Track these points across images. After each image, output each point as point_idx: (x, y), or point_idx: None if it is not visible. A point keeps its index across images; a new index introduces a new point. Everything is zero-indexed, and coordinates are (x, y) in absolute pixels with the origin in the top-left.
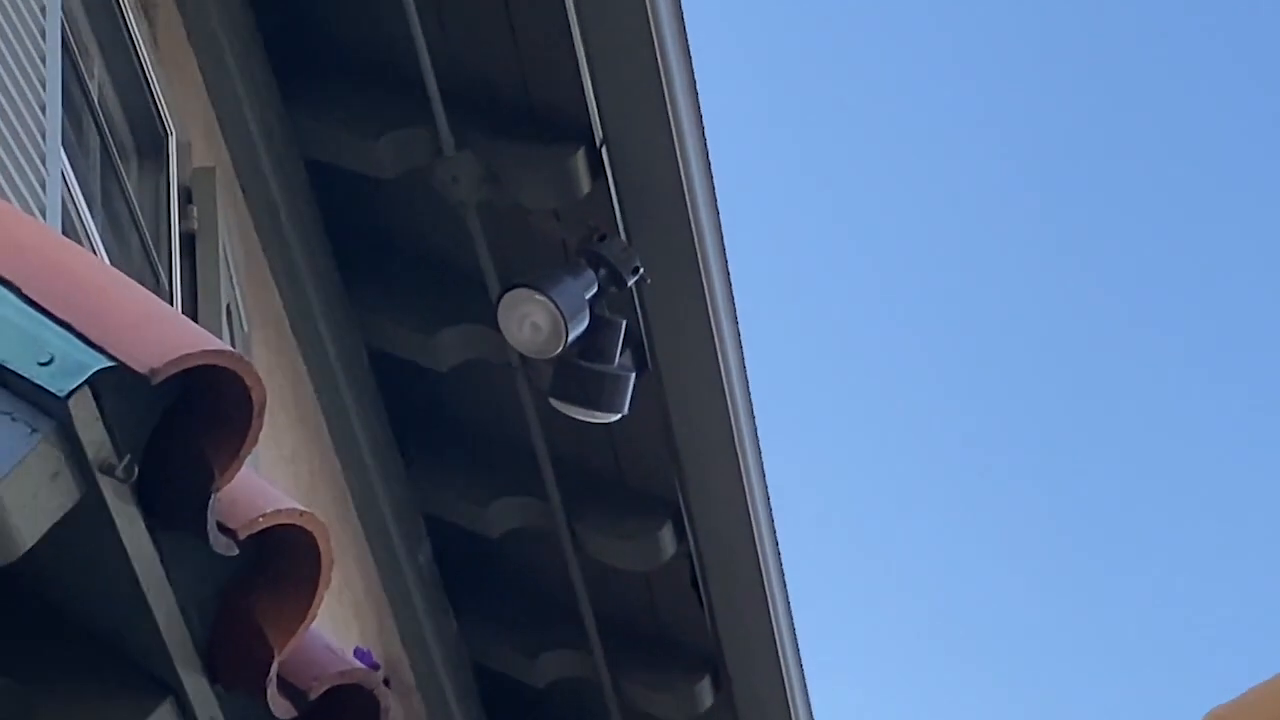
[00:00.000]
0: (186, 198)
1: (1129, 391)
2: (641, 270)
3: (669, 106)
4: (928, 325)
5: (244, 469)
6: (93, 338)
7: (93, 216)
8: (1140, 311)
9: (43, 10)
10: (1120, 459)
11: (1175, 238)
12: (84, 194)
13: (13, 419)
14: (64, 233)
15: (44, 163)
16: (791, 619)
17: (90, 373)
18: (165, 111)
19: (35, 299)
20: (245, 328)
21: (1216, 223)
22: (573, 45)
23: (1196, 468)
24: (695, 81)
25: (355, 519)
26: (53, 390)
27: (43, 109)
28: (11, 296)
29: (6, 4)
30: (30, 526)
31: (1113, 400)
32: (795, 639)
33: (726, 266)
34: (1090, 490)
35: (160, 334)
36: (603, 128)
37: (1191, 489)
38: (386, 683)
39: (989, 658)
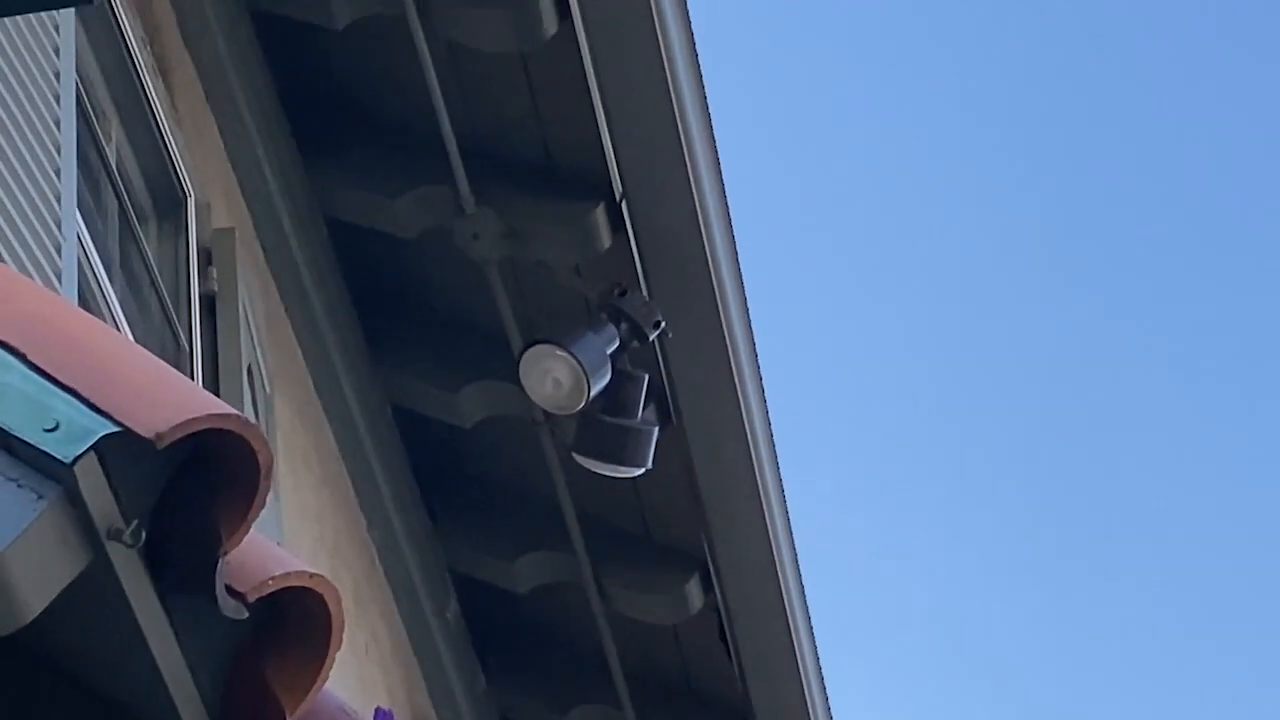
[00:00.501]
0: (206, 259)
1: (1161, 399)
2: (663, 324)
3: (688, 159)
4: (951, 360)
5: (252, 531)
6: (98, 403)
7: (110, 280)
8: (1157, 320)
9: (56, 75)
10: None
11: (1191, 243)
12: (101, 258)
13: (19, 485)
14: (80, 297)
15: (59, 227)
16: (820, 669)
17: (95, 438)
18: (184, 173)
19: (41, 365)
20: (268, 388)
21: (1225, 222)
22: (591, 101)
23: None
24: (713, 134)
25: (381, 576)
26: (58, 456)
27: (58, 174)
28: (17, 363)
29: (20, 69)
30: (38, 593)
31: (1140, 410)
32: (824, 689)
33: (748, 318)
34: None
35: (166, 398)
36: (622, 182)
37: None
38: None
39: (1021, 701)
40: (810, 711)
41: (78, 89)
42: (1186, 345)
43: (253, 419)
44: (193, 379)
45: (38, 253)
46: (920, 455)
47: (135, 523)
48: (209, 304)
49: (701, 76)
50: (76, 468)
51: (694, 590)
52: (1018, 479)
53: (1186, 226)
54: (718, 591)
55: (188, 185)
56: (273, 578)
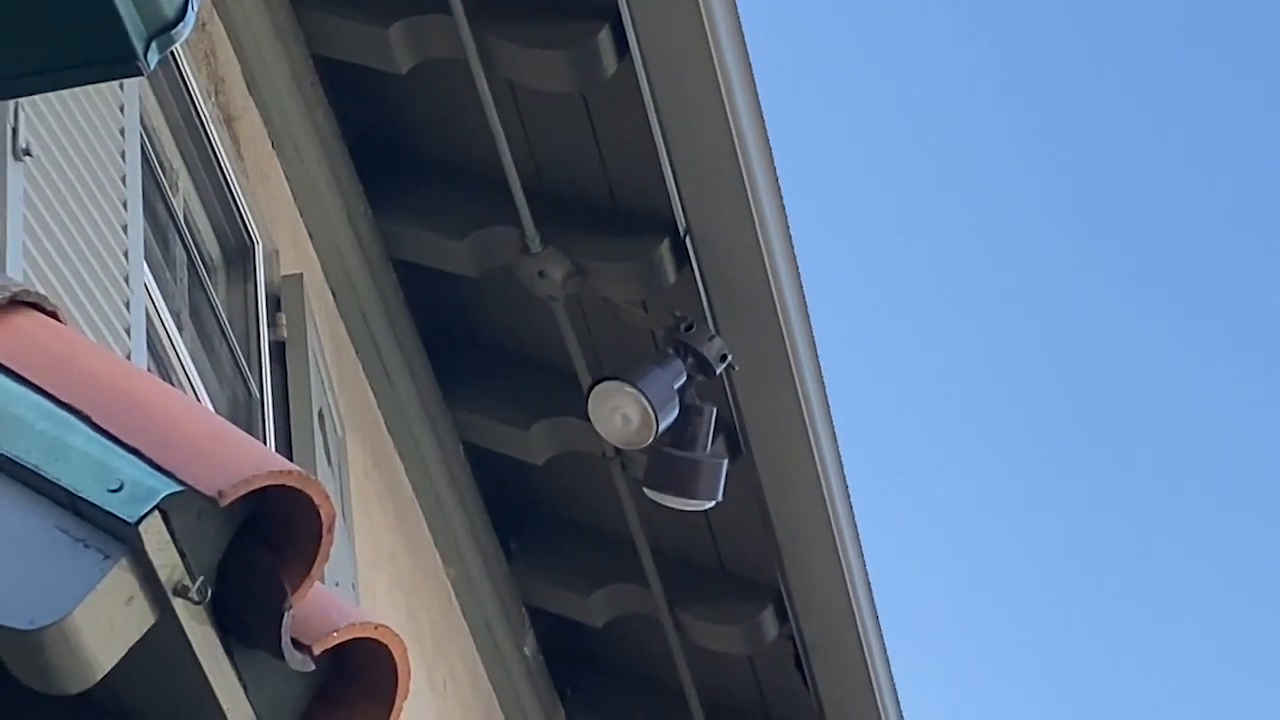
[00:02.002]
0: (275, 306)
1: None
2: (729, 357)
3: (749, 193)
4: (1021, 375)
5: (317, 584)
6: (161, 463)
7: (180, 331)
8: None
9: (122, 131)
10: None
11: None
12: (170, 308)
13: (85, 546)
14: (149, 349)
15: (127, 282)
16: (896, 695)
17: (159, 498)
18: (251, 221)
19: (104, 426)
20: (339, 431)
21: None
22: (652, 137)
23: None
24: (774, 165)
25: (458, 613)
26: (123, 517)
27: (125, 229)
28: (81, 425)
29: (85, 127)
30: (107, 651)
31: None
32: (900, 715)
33: (814, 348)
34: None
35: (227, 456)
36: (685, 218)
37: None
38: None
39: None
40: None
41: (143, 143)
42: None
43: (325, 463)
44: (264, 426)
45: (106, 308)
46: (992, 458)
47: (201, 579)
48: (279, 350)
49: (760, 108)
50: (141, 527)
51: (769, 620)
52: (1100, 488)
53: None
54: (792, 621)
55: (255, 233)
56: (338, 630)
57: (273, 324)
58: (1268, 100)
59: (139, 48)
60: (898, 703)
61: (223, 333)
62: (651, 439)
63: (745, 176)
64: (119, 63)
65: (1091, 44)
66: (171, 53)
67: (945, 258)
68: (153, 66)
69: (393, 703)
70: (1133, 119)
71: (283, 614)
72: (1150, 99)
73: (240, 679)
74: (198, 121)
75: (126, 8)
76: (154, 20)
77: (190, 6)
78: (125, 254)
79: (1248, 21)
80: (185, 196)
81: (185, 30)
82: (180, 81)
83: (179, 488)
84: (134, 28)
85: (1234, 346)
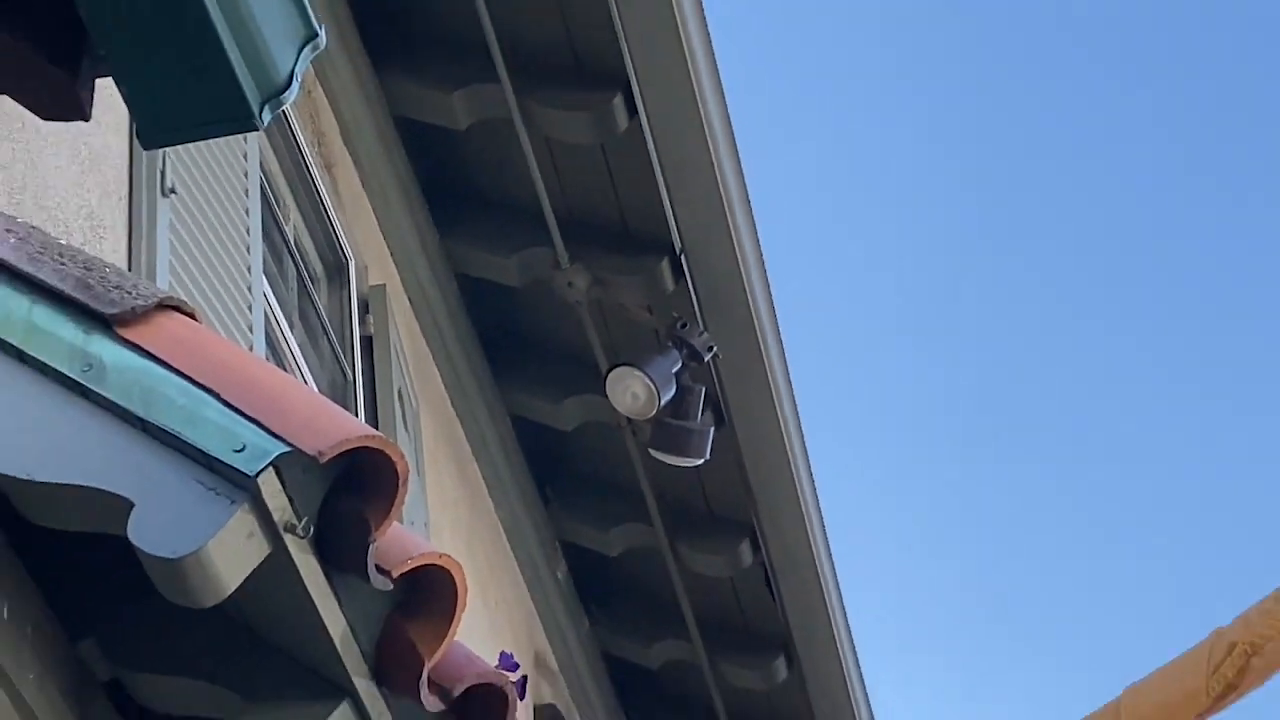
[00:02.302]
0: (364, 309)
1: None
2: (715, 348)
3: (730, 222)
4: (960, 342)
5: (395, 523)
6: (275, 430)
7: (290, 329)
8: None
9: (245, 174)
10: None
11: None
12: (283, 311)
13: (216, 494)
14: (267, 343)
15: (250, 290)
16: (845, 610)
17: (273, 457)
18: (345, 244)
19: (231, 402)
20: (414, 405)
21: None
22: (655, 178)
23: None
24: (750, 201)
25: (507, 546)
26: (245, 471)
27: (248, 249)
28: (213, 400)
29: (218, 170)
30: (233, 575)
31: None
32: (849, 625)
33: (780, 340)
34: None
35: (326, 425)
36: (681, 241)
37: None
38: (523, 682)
39: (1039, 646)
40: (838, 641)
41: (262, 183)
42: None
43: (403, 430)
44: (355, 401)
45: (234, 311)
46: (938, 425)
47: (305, 519)
48: (367, 343)
49: (739, 155)
50: (259, 479)
51: (745, 550)
52: (1044, 465)
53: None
54: (764, 550)
55: (348, 253)
56: (411, 558)
57: (362, 323)
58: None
59: (255, 109)
60: (845, 617)
61: (324, 330)
62: (655, 411)
63: (726, 209)
64: (240, 121)
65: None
66: (282, 113)
67: (891, 266)
68: (265, 124)
69: (454, 615)
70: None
71: (368, 546)
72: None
73: (335, 596)
74: (304, 166)
75: (245, 78)
76: (267, 87)
77: (295, 77)
78: (248, 269)
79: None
80: (295, 224)
81: (290, 95)
82: (291, 135)
83: (288, 449)
84: (251, 94)
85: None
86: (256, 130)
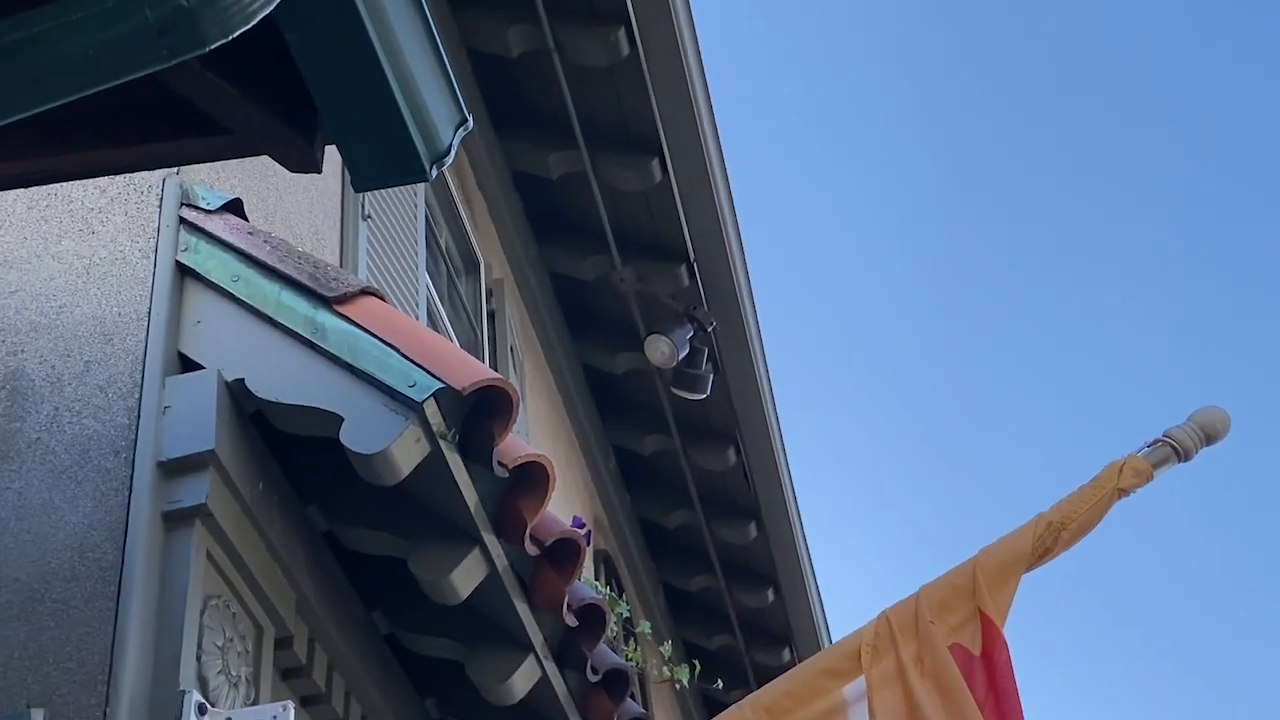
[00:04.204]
0: (489, 294)
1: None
2: (715, 324)
3: (726, 243)
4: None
5: (510, 434)
6: (434, 372)
7: (442, 307)
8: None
9: (414, 206)
10: None
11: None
12: (437, 295)
13: (396, 414)
14: (429, 317)
15: (417, 281)
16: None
17: (433, 390)
18: (477, 250)
19: (407, 354)
20: (520, 358)
21: None
22: (679, 214)
23: None
24: (740, 231)
25: (578, 448)
26: (415, 399)
27: (416, 254)
28: (395, 353)
29: (397, 203)
30: (406, 465)
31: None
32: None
33: (757, 319)
34: None
35: (467, 370)
36: (694, 252)
37: None
38: (589, 535)
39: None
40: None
41: (425, 212)
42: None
43: (514, 375)
44: (484, 355)
45: (407, 295)
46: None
47: (453, 430)
48: (490, 316)
49: (733, 197)
50: (424, 405)
51: (731, 454)
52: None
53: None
54: (743, 457)
55: (479, 255)
56: (519, 456)
57: (487, 303)
58: None
59: (427, 168)
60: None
61: (463, 307)
62: (675, 363)
63: (724, 234)
64: (417, 175)
65: None
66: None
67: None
68: (433, 178)
69: (546, 493)
70: None
71: (493, 448)
72: None
73: (471, 480)
74: (450, 200)
75: (421, 148)
76: (434, 154)
77: (452, 147)
78: (416, 268)
79: None
80: (445, 239)
81: (449, 160)
82: (443, 179)
83: (442, 385)
84: (425, 158)
85: None
86: (427, 181)
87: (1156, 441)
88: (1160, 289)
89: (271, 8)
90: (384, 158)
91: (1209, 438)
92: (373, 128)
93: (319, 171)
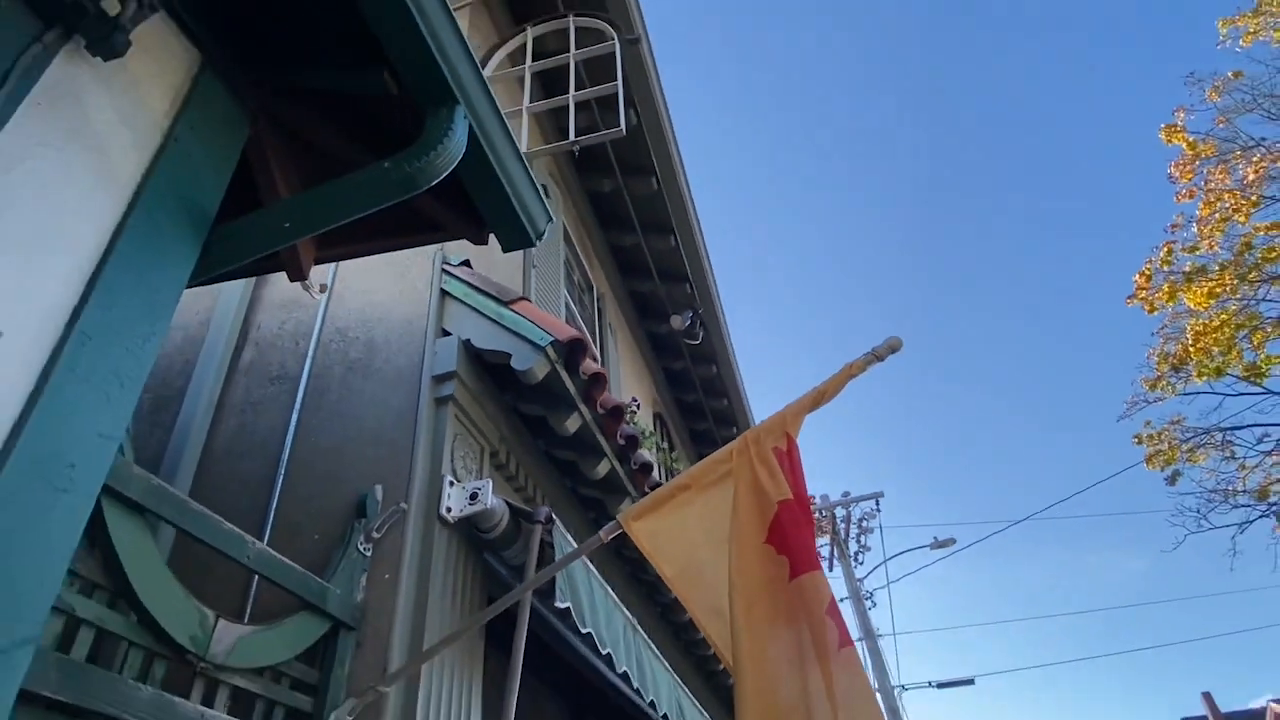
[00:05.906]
0: (598, 301)
1: None
2: (701, 310)
3: (715, 302)
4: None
5: (588, 360)
6: (549, 331)
7: (574, 308)
8: None
9: (558, 260)
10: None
11: None
12: (572, 302)
13: (534, 351)
14: (566, 312)
15: (559, 298)
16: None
17: (549, 341)
18: (592, 279)
19: (541, 325)
20: (614, 330)
21: None
22: (684, 266)
23: None
24: (714, 275)
25: (649, 375)
26: (541, 344)
27: (560, 283)
28: (534, 326)
29: (550, 254)
30: (540, 374)
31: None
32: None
33: (723, 315)
34: None
35: (567, 331)
36: (698, 303)
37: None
38: (637, 404)
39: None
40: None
41: (565, 261)
42: None
43: (608, 337)
44: (596, 330)
45: (552, 303)
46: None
47: (560, 358)
48: (600, 312)
49: (708, 255)
50: (547, 348)
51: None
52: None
53: None
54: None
55: (593, 282)
56: (591, 370)
57: (597, 304)
58: None
59: (533, 239)
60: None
61: (583, 308)
62: (684, 327)
63: (711, 286)
64: (529, 243)
65: None
66: (566, 232)
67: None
68: (537, 244)
69: (606, 386)
70: None
71: (579, 365)
72: None
73: (570, 380)
74: (577, 255)
75: (529, 230)
76: (536, 232)
77: (544, 230)
78: (560, 289)
79: None
80: (577, 275)
81: (545, 236)
82: (572, 245)
83: (553, 338)
84: (531, 234)
85: None
86: (534, 247)
87: (869, 352)
88: None
89: (453, 166)
90: (513, 235)
91: (891, 349)
92: (506, 221)
93: (485, 244)
